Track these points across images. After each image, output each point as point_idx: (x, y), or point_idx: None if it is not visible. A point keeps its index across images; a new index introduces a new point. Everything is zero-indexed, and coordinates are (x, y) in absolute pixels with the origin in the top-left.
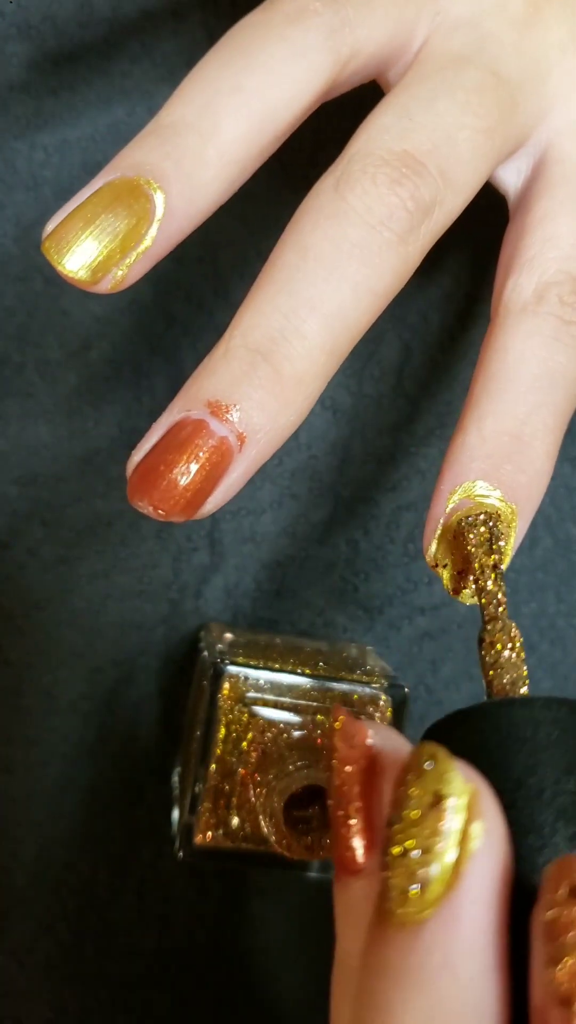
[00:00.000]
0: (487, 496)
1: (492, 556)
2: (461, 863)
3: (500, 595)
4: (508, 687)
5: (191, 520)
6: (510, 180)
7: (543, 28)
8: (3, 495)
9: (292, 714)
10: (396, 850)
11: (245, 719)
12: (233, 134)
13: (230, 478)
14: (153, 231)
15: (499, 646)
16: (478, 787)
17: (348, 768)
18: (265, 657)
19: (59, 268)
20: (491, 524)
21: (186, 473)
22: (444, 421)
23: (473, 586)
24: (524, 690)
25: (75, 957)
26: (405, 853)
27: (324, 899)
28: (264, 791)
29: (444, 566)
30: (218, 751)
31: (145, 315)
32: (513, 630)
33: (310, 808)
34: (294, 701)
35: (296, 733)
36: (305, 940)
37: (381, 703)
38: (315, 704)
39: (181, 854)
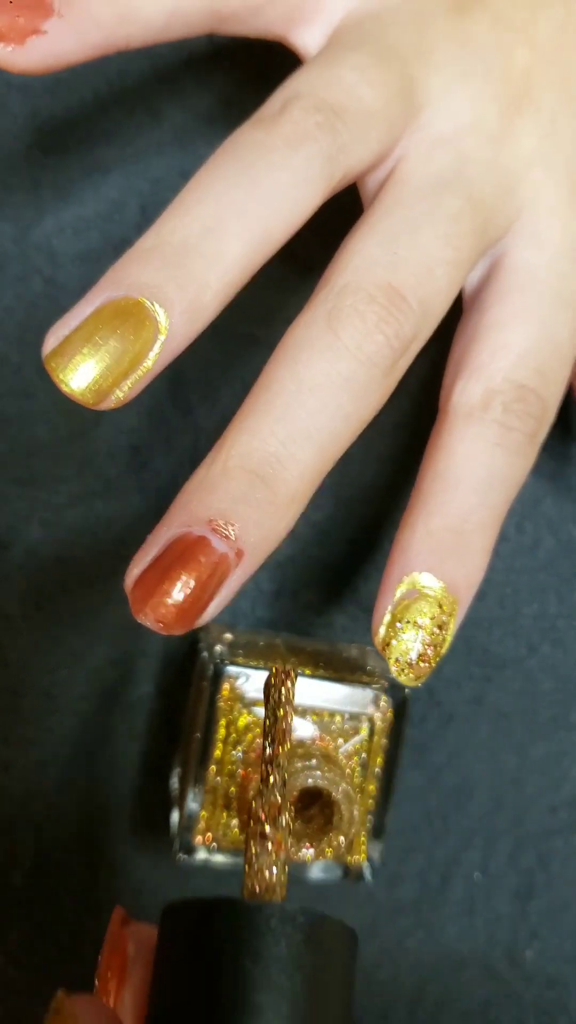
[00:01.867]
0: (432, 588)
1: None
2: None
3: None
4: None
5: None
6: (468, 277)
7: (514, 142)
8: (2, 495)
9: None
10: None
11: (244, 720)
12: (234, 257)
13: (227, 590)
14: (155, 353)
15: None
16: None
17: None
18: (265, 658)
19: (62, 387)
20: (277, 683)
21: (187, 588)
22: None
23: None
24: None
25: (74, 958)
26: None
27: (324, 900)
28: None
29: (390, 648)
30: (217, 752)
31: None
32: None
33: (310, 809)
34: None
35: (296, 734)
36: None
37: (382, 704)
38: (315, 705)
39: (180, 855)
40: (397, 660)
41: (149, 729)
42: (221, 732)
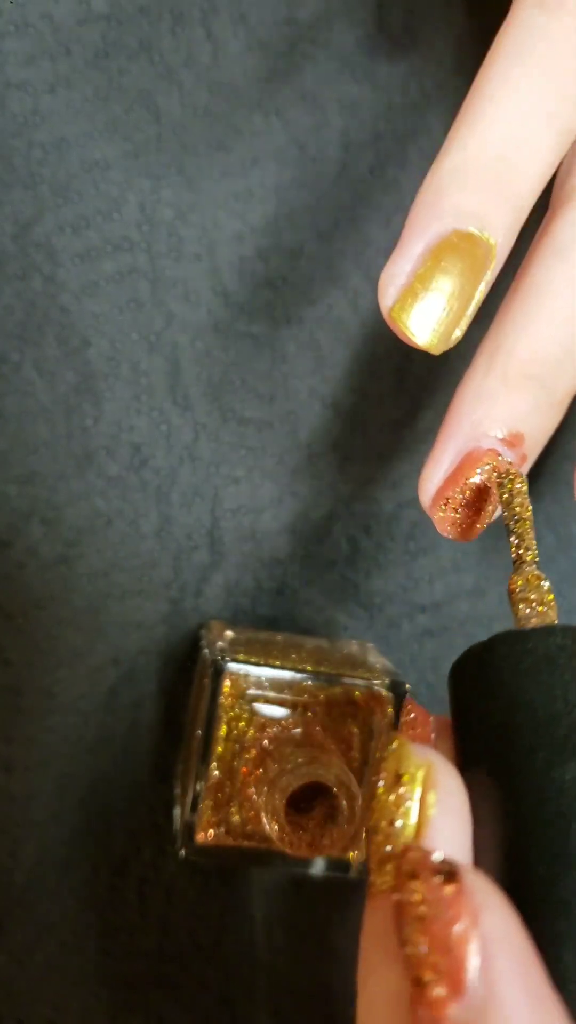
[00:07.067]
0: None
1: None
2: (420, 831)
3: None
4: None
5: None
6: None
7: None
8: (2, 494)
9: (293, 711)
10: (372, 824)
11: (246, 716)
12: (548, 162)
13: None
14: (486, 281)
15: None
16: (432, 762)
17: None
18: (266, 654)
19: (411, 340)
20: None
21: (482, 500)
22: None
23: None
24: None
25: (76, 957)
26: (378, 826)
27: (326, 897)
28: (265, 788)
29: None
30: (219, 749)
31: (143, 313)
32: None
33: (311, 805)
34: (295, 698)
35: (297, 730)
36: (307, 938)
37: (383, 700)
38: (316, 701)
39: (183, 853)
40: None
41: (151, 727)
42: (223, 729)
